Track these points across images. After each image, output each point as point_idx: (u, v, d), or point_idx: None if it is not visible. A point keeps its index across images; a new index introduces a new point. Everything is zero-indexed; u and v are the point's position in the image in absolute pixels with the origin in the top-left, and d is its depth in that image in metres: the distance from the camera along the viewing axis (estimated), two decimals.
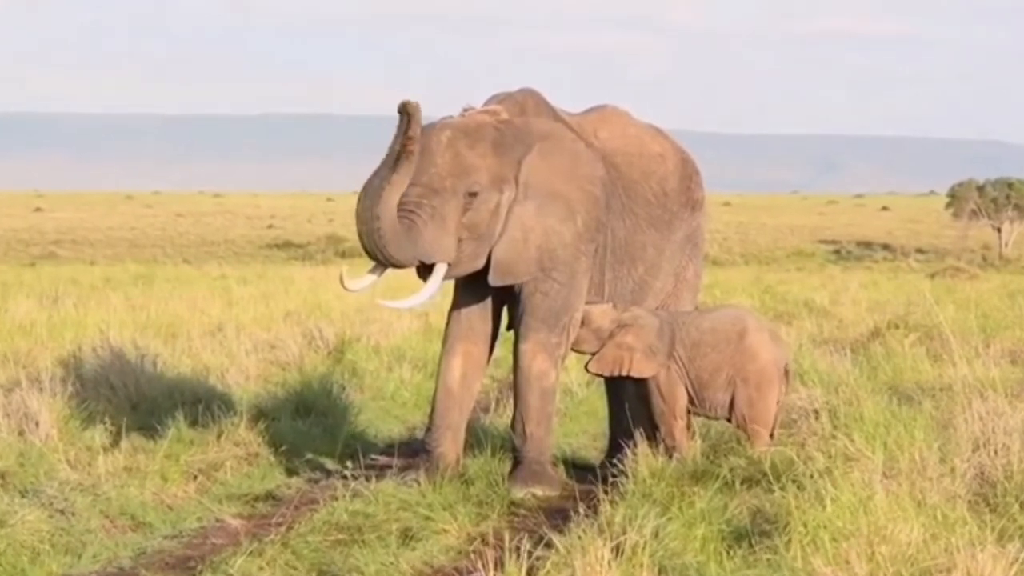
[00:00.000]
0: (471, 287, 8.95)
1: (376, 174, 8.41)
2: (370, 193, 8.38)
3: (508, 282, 8.81)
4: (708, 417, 9.13)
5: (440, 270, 8.61)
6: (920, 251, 53.50)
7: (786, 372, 8.96)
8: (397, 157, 8.37)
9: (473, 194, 8.58)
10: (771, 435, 8.84)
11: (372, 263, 8.68)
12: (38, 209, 79.33)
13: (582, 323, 8.99)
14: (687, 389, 8.93)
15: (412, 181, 8.39)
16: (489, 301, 9.03)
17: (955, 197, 56.00)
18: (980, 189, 54.85)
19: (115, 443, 9.50)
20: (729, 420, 8.98)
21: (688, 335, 8.92)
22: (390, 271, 8.72)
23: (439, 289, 8.71)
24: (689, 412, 9.00)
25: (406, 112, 8.28)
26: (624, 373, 8.96)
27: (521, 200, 8.76)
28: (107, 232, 62.78)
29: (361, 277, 8.80)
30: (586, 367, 9.18)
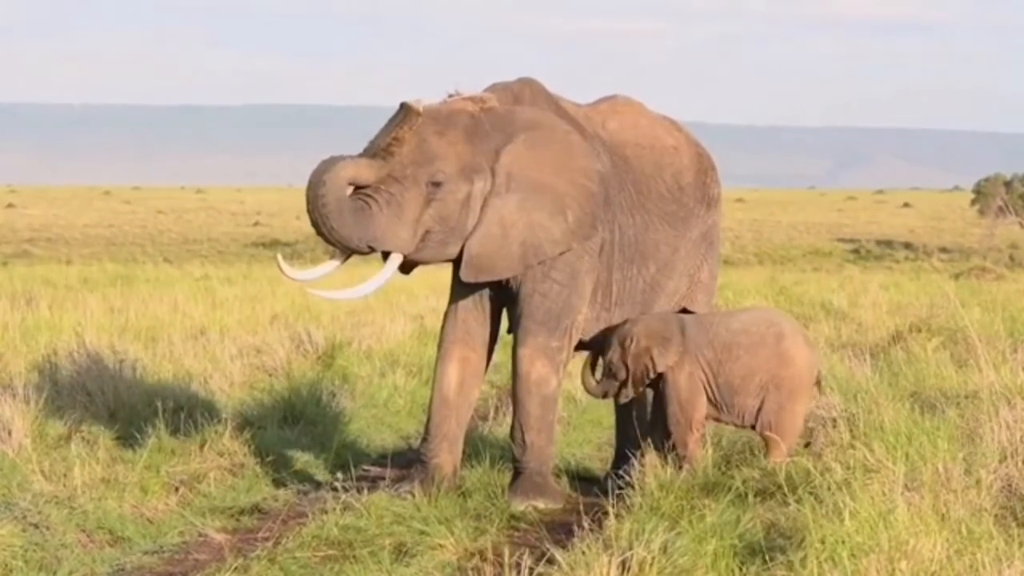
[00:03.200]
0: (468, 288, 8.94)
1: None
2: (325, 162, 8.44)
3: (484, 279, 8.78)
4: (736, 425, 9.07)
5: (393, 261, 8.60)
6: (944, 250, 53.52)
7: (818, 380, 8.95)
8: (375, 153, 8.42)
9: (436, 184, 8.53)
10: (806, 445, 8.79)
11: (331, 253, 8.69)
12: (10, 205, 79.37)
13: (610, 372, 8.96)
14: (713, 395, 8.88)
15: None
16: (487, 303, 9.02)
17: (981, 193, 56.11)
18: (1008, 184, 54.96)
19: (92, 453, 9.49)
20: (754, 428, 8.96)
21: (718, 336, 8.87)
22: (351, 262, 8.71)
23: (388, 280, 8.70)
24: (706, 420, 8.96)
25: (405, 113, 8.33)
26: (652, 374, 8.92)
27: (500, 192, 8.71)
28: (84, 229, 62.82)
29: (312, 266, 8.81)
30: (615, 396, 9.14)
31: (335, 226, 8.37)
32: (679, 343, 8.85)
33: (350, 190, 8.44)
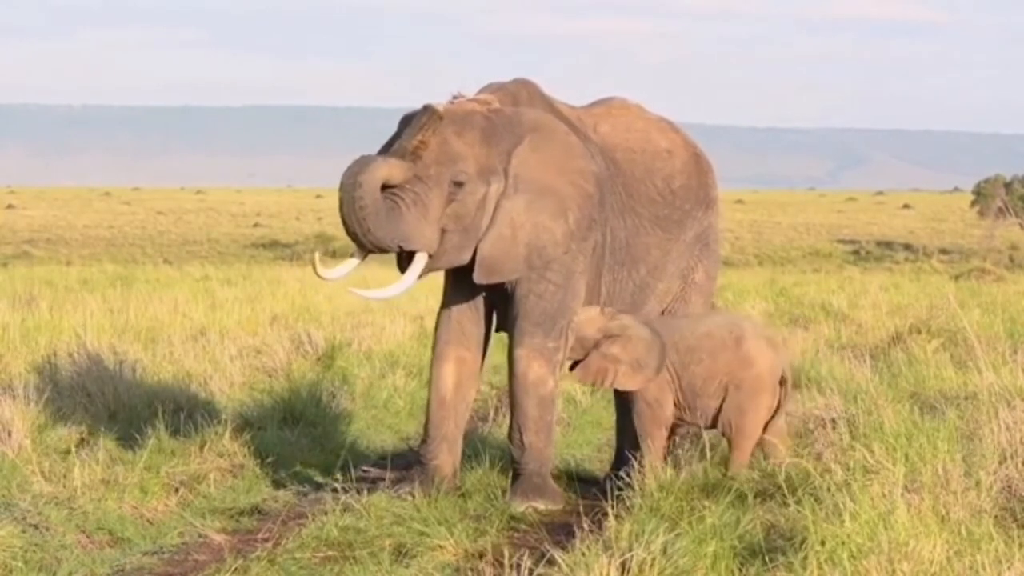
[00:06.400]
0: (461, 288, 8.97)
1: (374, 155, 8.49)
2: (358, 162, 8.44)
3: (494, 280, 8.80)
4: (699, 427, 9.07)
5: (420, 260, 8.60)
6: (944, 251, 53.53)
7: (783, 381, 8.93)
8: (403, 154, 8.43)
9: (459, 184, 8.57)
10: (790, 448, 8.79)
11: (352, 251, 8.69)
12: (10, 206, 79.36)
13: (572, 339, 8.96)
14: (677, 397, 8.88)
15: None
16: (480, 302, 9.04)
17: (981, 194, 56.13)
18: (1008, 186, 54.97)
19: (92, 454, 9.50)
20: (713, 427, 8.96)
21: (683, 340, 8.91)
22: (370, 260, 8.71)
23: (416, 281, 8.70)
24: (676, 424, 8.97)
25: (429, 115, 8.36)
26: (607, 386, 8.96)
27: (510, 194, 8.75)
28: (83, 230, 62.84)
29: (337, 265, 8.81)
30: (571, 369, 9.14)
31: (372, 227, 8.36)
32: (651, 375, 8.82)
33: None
